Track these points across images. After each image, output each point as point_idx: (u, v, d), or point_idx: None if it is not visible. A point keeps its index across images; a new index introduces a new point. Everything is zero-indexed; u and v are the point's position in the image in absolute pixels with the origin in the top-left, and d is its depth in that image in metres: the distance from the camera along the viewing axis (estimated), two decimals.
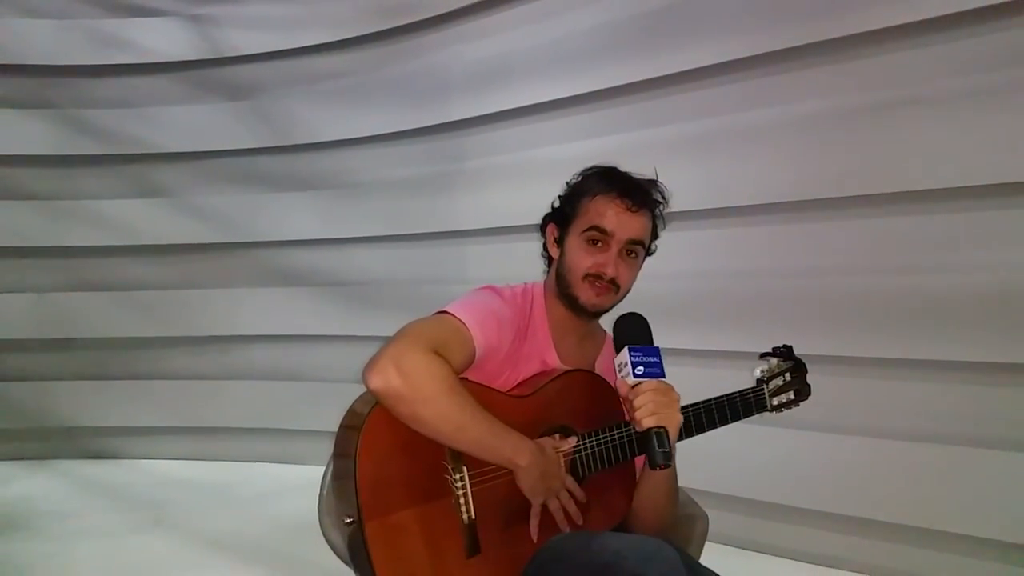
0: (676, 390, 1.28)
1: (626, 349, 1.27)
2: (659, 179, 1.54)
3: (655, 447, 1.21)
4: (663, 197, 1.54)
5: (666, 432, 1.23)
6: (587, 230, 1.46)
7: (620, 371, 1.28)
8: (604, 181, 1.50)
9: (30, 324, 4.27)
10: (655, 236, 1.56)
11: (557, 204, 1.58)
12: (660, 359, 1.28)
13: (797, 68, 2.64)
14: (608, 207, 1.46)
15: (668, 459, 1.22)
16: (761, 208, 2.75)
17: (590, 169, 1.57)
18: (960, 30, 2.33)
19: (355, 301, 3.96)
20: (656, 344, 1.30)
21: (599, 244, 1.46)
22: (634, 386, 1.25)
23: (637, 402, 1.24)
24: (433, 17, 3.56)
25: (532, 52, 3.28)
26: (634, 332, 1.31)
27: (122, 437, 4.30)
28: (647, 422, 1.22)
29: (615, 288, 1.47)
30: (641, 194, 1.48)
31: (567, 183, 1.59)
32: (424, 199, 3.74)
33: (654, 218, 1.53)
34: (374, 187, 3.90)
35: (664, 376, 1.27)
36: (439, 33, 3.59)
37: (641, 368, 1.26)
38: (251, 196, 4.14)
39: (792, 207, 2.69)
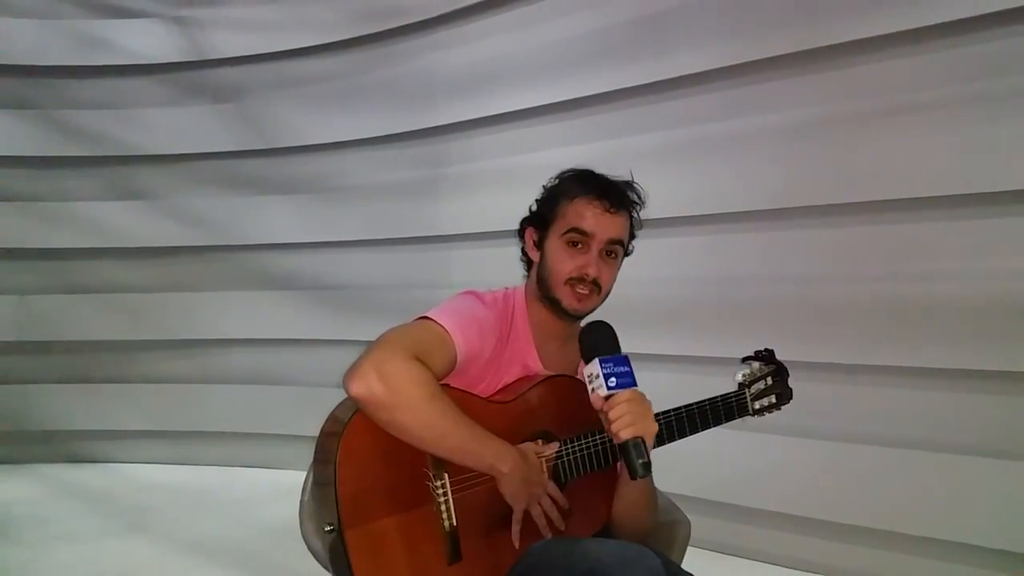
0: (648, 397, 1.28)
1: (596, 361, 1.26)
2: (635, 181, 1.56)
3: (635, 458, 1.21)
4: (639, 198, 1.55)
5: (644, 442, 1.22)
6: (567, 232, 1.47)
7: (591, 383, 1.27)
8: (582, 183, 1.51)
9: (11, 326, 4.23)
10: (632, 236, 1.57)
11: (535, 207, 1.59)
12: (631, 367, 1.27)
13: (784, 76, 2.66)
14: (587, 209, 1.47)
15: (648, 469, 1.21)
16: (747, 215, 2.77)
17: (567, 172, 1.58)
18: (945, 40, 2.35)
19: (339, 305, 3.95)
20: (626, 352, 1.29)
21: (579, 246, 1.47)
22: (607, 398, 1.25)
23: (613, 414, 1.23)
24: (418, 22, 3.56)
25: (517, 58, 3.29)
26: (601, 342, 1.29)
27: (103, 441, 4.26)
28: (625, 434, 1.22)
29: (597, 289, 1.48)
30: (619, 195, 1.50)
31: (544, 186, 1.60)
32: (408, 203, 3.73)
33: (631, 218, 1.54)
34: (358, 191, 3.89)
35: (636, 384, 1.26)
36: (424, 38, 3.58)
37: (614, 380, 1.24)
38: (235, 199, 4.12)
39: (778, 214, 2.70)
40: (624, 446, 1.22)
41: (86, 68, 4.11)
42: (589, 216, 1.46)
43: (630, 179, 1.56)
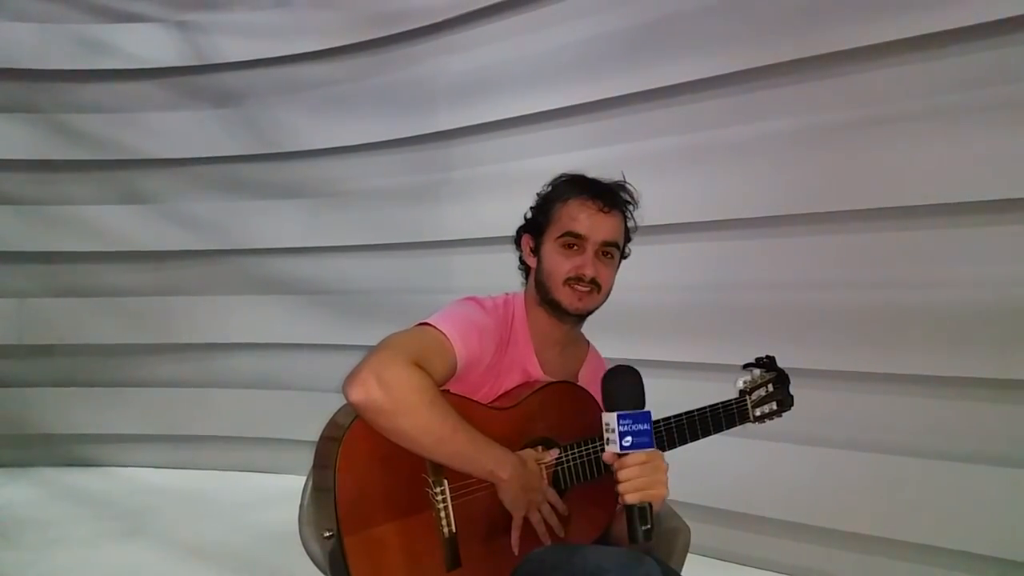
0: (664, 459, 1.22)
1: (615, 416, 1.18)
2: (627, 181, 1.56)
3: (637, 524, 1.15)
4: (632, 197, 1.56)
5: (650, 508, 1.17)
6: (562, 235, 1.47)
7: (606, 432, 1.20)
8: (574, 186, 1.52)
9: (11, 330, 4.22)
10: (628, 239, 1.57)
11: (529, 215, 1.59)
12: (650, 426, 1.19)
13: (785, 83, 2.66)
14: (580, 211, 1.47)
15: (649, 536, 1.16)
16: (747, 222, 2.76)
17: (559, 177, 1.59)
18: (947, 48, 2.35)
19: (340, 310, 3.95)
20: (647, 399, 1.21)
21: (575, 248, 1.47)
22: (620, 455, 1.18)
23: (622, 475, 1.17)
24: (420, 28, 3.57)
25: (519, 64, 3.29)
26: (626, 392, 1.20)
27: (103, 444, 4.26)
28: (631, 498, 1.16)
29: (597, 288, 1.48)
30: (611, 195, 1.50)
31: (537, 193, 1.60)
32: (410, 209, 3.74)
33: (626, 219, 1.54)
34: (360, 196, 3.89)
35: (653, 445, 1.19)
36: (426, 43, 3.59)
37: (629, 439, 1.17)
38: (236, 204, 4.12)
39: (779, 221, 2.70)
40: (629, 509, 1.17)
41: (89, 72, 4.12)
42: (583, 218, 1.46)
43: (622, 180, 1.56)
